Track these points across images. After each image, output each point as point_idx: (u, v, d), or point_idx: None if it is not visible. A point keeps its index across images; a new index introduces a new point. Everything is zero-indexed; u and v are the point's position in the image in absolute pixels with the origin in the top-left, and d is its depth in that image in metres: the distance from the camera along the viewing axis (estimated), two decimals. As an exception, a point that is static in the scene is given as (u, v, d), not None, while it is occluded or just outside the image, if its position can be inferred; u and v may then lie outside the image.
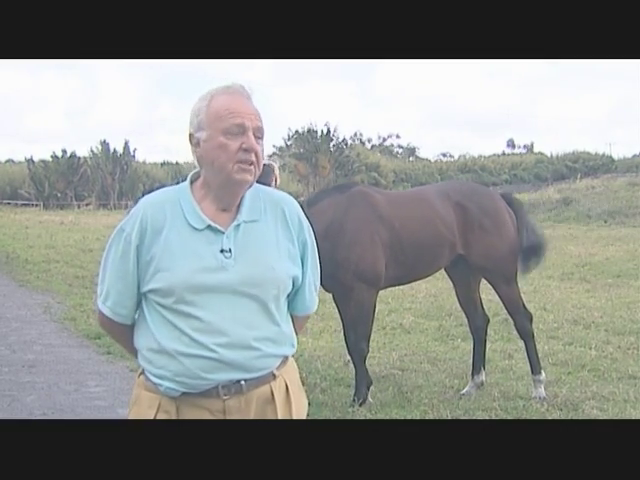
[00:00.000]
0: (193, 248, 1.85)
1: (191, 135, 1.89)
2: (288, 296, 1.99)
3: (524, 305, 5.28)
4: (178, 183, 1.99)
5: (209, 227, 1.87)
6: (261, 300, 1.88)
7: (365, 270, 4.81)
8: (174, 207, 1.89)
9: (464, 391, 5.24)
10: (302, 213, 2.02)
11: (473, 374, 5.33)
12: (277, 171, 5.23)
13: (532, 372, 5.13)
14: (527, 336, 5.22)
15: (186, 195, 1.91)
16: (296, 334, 2.04)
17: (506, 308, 5.29)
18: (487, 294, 9.66)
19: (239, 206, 1.91)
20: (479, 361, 5.38)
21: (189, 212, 1.88)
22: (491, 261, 5.09)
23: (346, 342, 5.12)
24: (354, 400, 4.84)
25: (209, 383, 1.85)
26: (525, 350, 5.25)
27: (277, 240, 1.92)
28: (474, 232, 5.02)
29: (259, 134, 1.86)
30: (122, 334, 2.00)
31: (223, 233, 1.87)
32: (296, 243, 1.97)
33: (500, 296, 5.25)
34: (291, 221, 1.97)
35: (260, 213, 1.93)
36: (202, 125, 1.86)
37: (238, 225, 1.89)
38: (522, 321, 5.21)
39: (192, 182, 1.95)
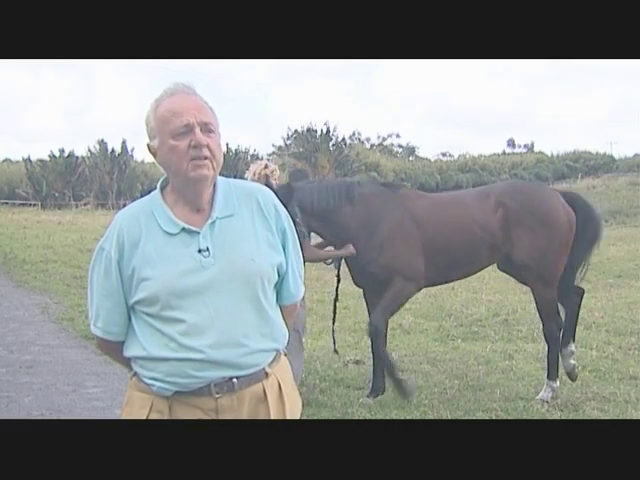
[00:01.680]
0: (170, 253, 1.85)
1: (148, 146, 1.91)
2: (275, 286, 1.99)
3: (557, 311, 5.25)
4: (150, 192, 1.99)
5: (184, 230, 1.87)
6: (246, 294, 1.88)
7: (401, 266, 4.98)
8: (148, 217, 1.89)
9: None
10: (278, 201, 2.02)
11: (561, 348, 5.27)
12: (277, 171, 5.21)
13: (548, 376, 5.12)
14: (552, 341, 5.20)
15: (157, 202, 1.91)
16: (286, 324, 2.03)
17: (538, 310, 5.26)
18: (487, 294, 9.72)
19: (212, 203, 1.91)
20: (570, 331, 5.33)
21: (162, 219, 1.88)
22: (532, 259, 5.06)
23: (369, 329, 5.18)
24: (371, 392, 4.95)
25: (201, 381, 1.84)
26: (547, 354, 5.24)
27: (255, 231, 1.92)
28: (515, 229, 5.04)
29: (208, 128, 1.85)
30: (117, 352, 1.98)
31: (199, 233, 1.87)
32: (275, 231, 1.96)
33: (535, 296, 5.22)
34: (267, 210, 1.96)
35: (234, 207, 1.92)
36: (153, 133, 1.88)
37: (213, 223, 1.89)
38: (551, 326, 5.19)
39: (163, 188, 1.95)
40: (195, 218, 1.89)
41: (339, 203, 5.01)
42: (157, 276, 1.83)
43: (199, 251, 1.85)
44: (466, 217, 5.10)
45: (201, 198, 1.89)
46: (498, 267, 5.55)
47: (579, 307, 5.49)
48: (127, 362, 1.97)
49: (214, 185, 1.93)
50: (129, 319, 1.93)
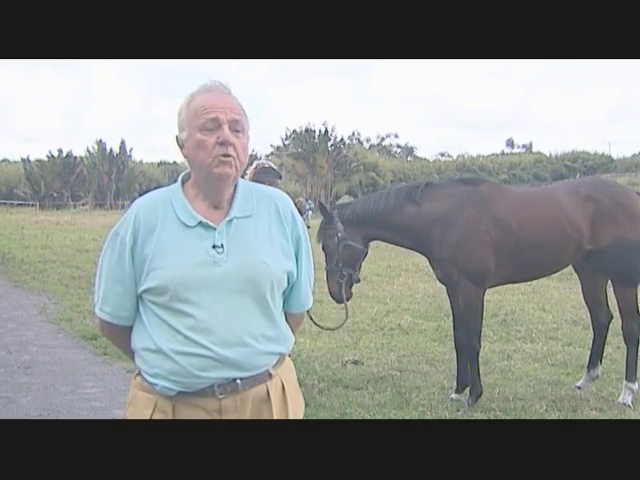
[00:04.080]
0: (185, 245, 1.85)
1: (177, 137, 1.92)
2: (283, 293, 1.99)
3: (638, 310, 5.18)
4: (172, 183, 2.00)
5: (200, 223, 1.87)
6: (255, 296, 1.87)
7: (472, 269, 4.88)
8: (166, 206, 1.89)
9: (579, 384, 5.29)
10: (295, 209, 2.03)
11: (589, 367, 5.36)
12: (272, 165, 5.24)
13: (626, 378, 5.06)
14: (632, 342, 5.13)
15: (177, 194, 1.92)
16: (293, 333, 2.03)
17: (619, 307, 5.18)
18: (485, 294, 9.71)
19: (231, 202, 1.91)
20: (597, 355, 5.39)
21: (180, 210, 1.88)
22: (619, 253, 4.97)
23: (454, 336, 5.24)
24: (471, 395, 4.92)
25: (204, 381, 1.84)
26: (626, 355, 5.18)
27: (270, 235, 1.92)
28: (605, 224, 4.95)
29: (237, 127, 1.85)
30: (122, 337, 1.98)
31: (215, 229, 1.87)
32: (290, 239, 1.96)
33: (616, 293, 5.15)
34: (284, 217, 1.96)
35: (253, 209, 1.93)
36: (183, 125, 1.89)
37: (230, 221, 1.89)
38: (632, 325, 5.12)
39: (184, 182, 1.95)
40: (213, 214, 1.89)
41: (396, 205, 4.98)
42: (169, 266, 1.83)
43: (213, 247, 1.85)
44: (556, 213, 4.96)
45: (221, 195, 1.89)
46: (574, 267, 5.45)
47: (607, 330, 5.47)
48: (128, 349, 1.96)
49: (235, 185, 1.94)
50: (137, 306, 1.93)
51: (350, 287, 5.20)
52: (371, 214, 5.04)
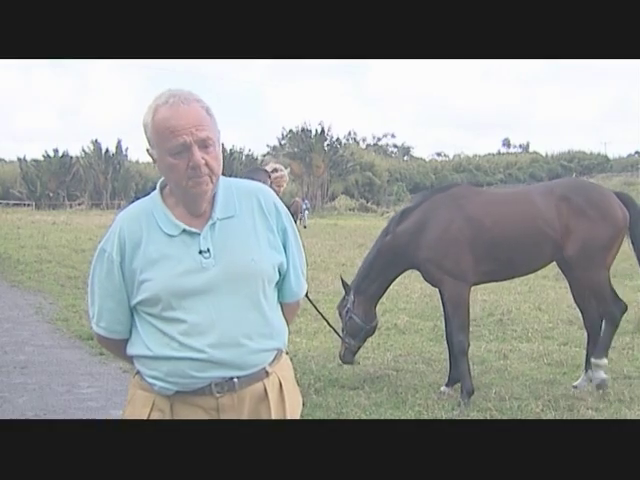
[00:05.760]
0: (172, 254, 1.85)
1: (148, 151, 1.91)
2: (276, 284, 1.99)
3: (616, 294, 5.26)
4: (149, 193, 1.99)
5: (184, 231, 1.87)
6: (247, 295, 1.88)
7: (449, 266, 5.07)
8: (148, 218, 1.89)
9: (577, 383, 5.34)
10: (278, 201, 2.02)
11: (587, 367, 5.40)
12: (286, 175, 5.39)
13: (594, 356, 5.17)
14: (612, 323, 5.20)
15: (157, 203, 1.91)
16: (288, 323, 2.04)
17: (593, 295, 5.26)
18: (482, 294, 9.74)
19: (213, 204, 1.91)
20: (605, 344, 5.38)
21: (162, 220, 1.88)
22: (587, 245, 5.07)
23: (446, 333, 5.45)
24: (462, 392, 4.97)
25: (201, 381, 1.85)
26: (602, 333, 5.25)
27: (256, 231, 1.92)
28: (577, 219, 5.08)
29: (206, 144, 1.83)
30: (120, 349, 2.00)
31: (199, 234, 1.87)
32: (275, 231, 1.96)
33: (585, 283, 5.23)
34: (267, 210, 1.96)
35: (235, 208, 1.92)
36: (152, 143, 1.87)
37: (213, 224, 1.89)
38: (612, 310, 5.19)
39: (162, 189, 1.95)
40: (196, 219, 1.89)
41: (374, 249, 5.41)
42: (158, 277, 1.84)
43: (200, 252, 1.85)
44: (529, 210, 5.13)
45: (200, 207, 1.89)
46: (560, 268, 5.59)
47: (600, 327, 5.45)
48: (130, 359, 1.97)
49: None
50: (132, 316, 1.93)
51: (352, 354, 5.66)
52: (363, 274, 5.46)
